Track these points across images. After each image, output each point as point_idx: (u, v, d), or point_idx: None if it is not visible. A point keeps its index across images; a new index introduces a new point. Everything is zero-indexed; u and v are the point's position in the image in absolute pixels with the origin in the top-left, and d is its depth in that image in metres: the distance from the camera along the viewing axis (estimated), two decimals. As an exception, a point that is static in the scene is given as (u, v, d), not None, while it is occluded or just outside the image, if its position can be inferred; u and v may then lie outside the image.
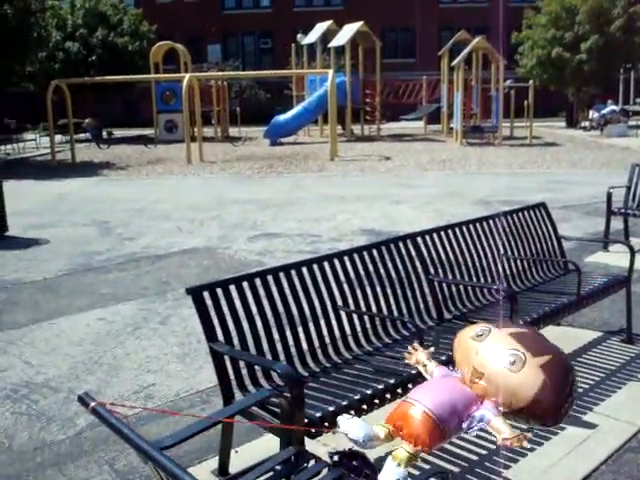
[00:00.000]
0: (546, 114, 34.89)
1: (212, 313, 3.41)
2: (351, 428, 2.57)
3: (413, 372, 3.52)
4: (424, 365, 2.88)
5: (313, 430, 2.98)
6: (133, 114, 33.64)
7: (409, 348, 3.00)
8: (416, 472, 3.37)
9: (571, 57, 29.29)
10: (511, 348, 2.54)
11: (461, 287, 4.70)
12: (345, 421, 2.60)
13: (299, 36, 29.42)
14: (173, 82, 24.93)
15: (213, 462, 3.60)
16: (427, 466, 3.53)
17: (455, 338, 2.81)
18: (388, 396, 3.36)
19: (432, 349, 3.00)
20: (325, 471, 2.64)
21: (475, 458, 3.65)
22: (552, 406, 2.49)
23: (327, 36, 26.62)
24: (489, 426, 2.53)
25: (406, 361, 2.99)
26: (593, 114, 30.11)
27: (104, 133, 26.22)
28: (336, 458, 3.14)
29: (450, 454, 3.69)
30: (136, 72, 25.82)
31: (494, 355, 2.55)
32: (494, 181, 14.64)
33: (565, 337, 5.35)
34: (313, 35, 27.35)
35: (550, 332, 4.77)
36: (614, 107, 29.45)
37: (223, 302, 3.47)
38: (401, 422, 2.56)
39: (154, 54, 26.61)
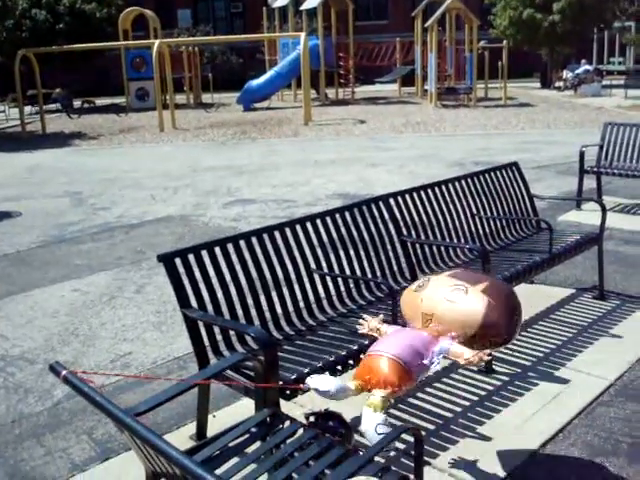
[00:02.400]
0: (520, 75, 34.81)
1: (185, 280, 3.40)
2: (320, 383, 2.63)
3: (387, 332, 3.56)
4: (377, 329, 3.01)
5: (287, 391, 3.00)
6: (103, 83, 33.11)
7: (360, 321, 3.12)
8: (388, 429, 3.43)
9: (543, 18, 29.18)
10: (451, 285, 2.77)
11: (434, 247, 4.72)
12: (314, 379, 2.66)
13: (270, -1, 29.05)
14: (143, 49, 24.55)
15: (191, 427, 3.62)
16: (399, 423, 3.57)
17: (400, 299, 3.02)
18: (362, 357, 3.38)
19: (381, 316, 3.11)
20: (300, 431, 2.67)
21: (449, 415, 3.70)
22: (502, 323, 2.68)
23: (298, -1, 26.32)
24: (450, 355, 2.70)
25: (360, 331, 3.09)
26: (567, 74, 30.13)
27: (82, 103, 25.73)
28: (312, 419, 3.17)
29: (424, 411, 3.74)
30: (105, 39, 25.36)
31: (437, 295, 2.77)
32: (468, 142, 14.65)
33: (538, 295, 5.42)
34: (284, -2, 27.02)
35: (523, 290, 4.82)
36: (588, 67, 29.47)
37: (195, 268, 3.46)
38: (369, 374, 2.66)
39: (123, 21, 26.12)
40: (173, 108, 19.52)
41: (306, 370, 3.15)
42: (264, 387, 2.87)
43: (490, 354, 2.73)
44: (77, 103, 26.19)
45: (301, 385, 2.80)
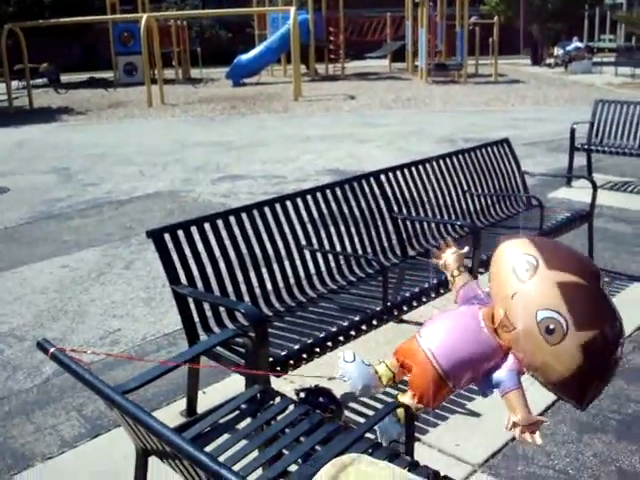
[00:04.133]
0: (511, 51, 34.66)
1: (174, 256, 3.37)
2: (351, 375, 2.34)
3: (377, 309, 3.56)
4: (452, 275, 2.42)
5: (278, 367, 2.99)
6: (91, 57, 32.72)
7: (440, 243, 2.55)
8: (379, 405, 3.44)
9: (535, -7, 29.01)
10: (554, 308, 1.95)
11: (424, 224, 4.71)
12: (346, 364, 2.36)
13: (260, -28, 28.70)
14: (131, 23, 24.24)
15: (181, 403, 3.62)
16: (390, 399, 3.58)
17: (496, 252, 2.13)
18: (353, 333, 3.38)
19: (466, 249, 2.52)
20: (291, 408, 2.66)
21: (440, 391, 3.70)
22: (581, 392, 2.05)
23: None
24: (504, 398, 2.17)
25: (434, 260, 2.53)
26: (558, 51, 30.00)
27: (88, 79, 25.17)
28: (302, 395, 3.18)
29: (415, 388, 3.75)
30: (93, 13, 25.03)
31: (532, 313, 1.97)
32: (459, 119, 14.59)
33: (528, 271, 5.42)
34: (274, -29, 26.74)
35: (513, 267, 4.83)
36: (579, 44, 29.34)
37: (185, 244, 3.43)
38: (409, 361, 2.26)
39: (110, -6, 25.79)
40: (162, 83, 19.33)
41: (297, 347, 3.15)
42: (255, 363, 2.86)
43: (544, 427, 2.19)
44: (65, 78, 25.92)
45: (284, 373, 2.67)
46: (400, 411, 2.30)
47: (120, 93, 21.82)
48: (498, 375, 2.14)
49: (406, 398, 2.22)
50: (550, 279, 1.97)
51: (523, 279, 1.98)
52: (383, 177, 4.56)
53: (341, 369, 2.35)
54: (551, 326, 1.92)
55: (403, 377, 2.30)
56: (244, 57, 24.26)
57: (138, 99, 19.41)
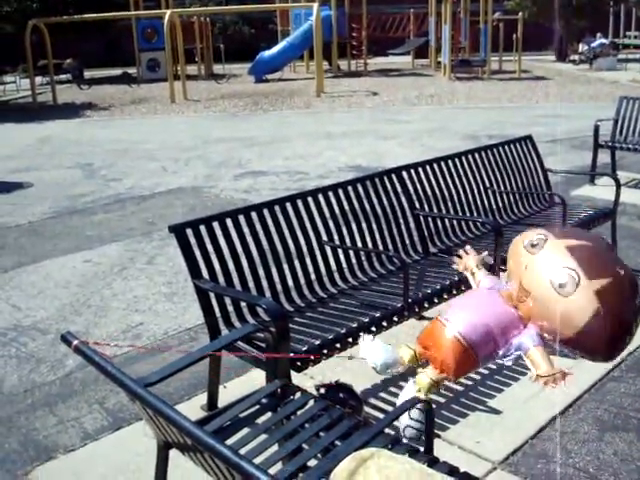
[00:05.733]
0: (535, 47, 34.39)
1: (196, 251, 3.39)
2: (371, 353, 2.40)
3: (398, 305, 3.55)
4: (472, 273, 2.60)
5: (298, 363, 3.00)
6: (114, 53, 32.92)
7: (460, 251, 2.77)
8: (399, 401, 3.44)
9: (560, -11, 28.78)
10: (565, 266, 2.12)
11: (446, 221, 4.70)
12: (366, 344, 2.42)
13: (283, -31, 28.68)
14: (154, 19, 24.36)
15: (202, 398, 3.64)
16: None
17: (512, 244, 2.41)
18: (373, 329, 3.38)
19: (485, 253, 2.74)
20: (311, 403, 2.67)
21: (460, 388, 3.70)
22: (604, 340, 2.10)
23: (311, -32, 26.00)
24: (526, 356, 2.26)
25: (454, 266, 2.76)
26: (583, 47, 29.72)
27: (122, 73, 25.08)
28: (322, 390, 3.19)
29: (436, 385, 3.74)
30: (116, 9, 25.19)
31: (544, 273, 2.15)
32: (482, 115, 14.51)
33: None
34: (297, -33, 26.71)
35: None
36: (604, 40, 29.04)
37: (207, 239, 3.45)
38: (430, 342, 2.36)
39: (134, -10, 25.94)
40: (184, 79, 19.41)
41: (317, 342, 3.15)
42: (275, 358, 2.88)
43: (570, 375, 2.21)
44: (88, 74, 26.11)
45: (314, 361, 2.66)
46: (422, 380, 2.34)
47: (143, 89, 21.94)
48: (518, 339, 2.24)
49: (429, 370, 2.30)
50: (559, 246, 2.18)
51: (534, 252, 2.20)
52: (405, 174, 4.55)
53: (362, 348, 2.41)
54: (563, 280, 2.08)
55: (426, 357, 2.36)
56: (266, 53, 24.28)
57: (161, 95, 19.51)
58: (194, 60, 25.96)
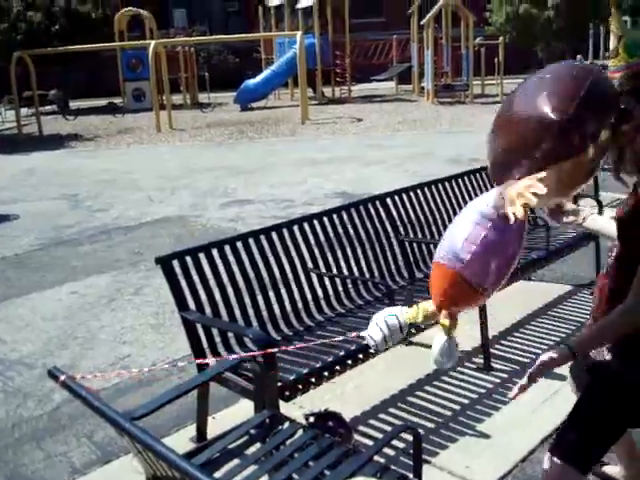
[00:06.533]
0: (517, 71, 34.76)
1: (182, 282, 3.40)
2: (371, 334, 2.16)
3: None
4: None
5: (287, 392, 3.00)
6: (99, 83, 33.03)
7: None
8: (388, 428, 3.44)
9: (539, 14, 29.25)
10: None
11: (431, 246, 4.71)
12: (371, 327, 2.17)
13: (267, -2, 28.97)
14: (139, 49, 24.50)
15: (191, 429, 3.62)
16: (398, 422, 3.59)
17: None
18: (360, 356, 3.39)
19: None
20: (300, 432, 2.67)
21: (449, 413, 3.71)
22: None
23: (294, -3, 26.28)
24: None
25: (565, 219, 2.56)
26: (563, 69, 30.08)
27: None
28: (311, 419, 3.19)
29: (424, 410, 3.75)
30: (101, 40, 25.32)
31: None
32: (466, 139, 14.63)
33: (536, 292, 5.43)
34: (280, -3, 26.99)
35: (521, 287, 4.84)
36: (584, 62, 29.48)
37: (193, 270, 3.46)
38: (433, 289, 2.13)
39: (118, 21, 26.05)
40: (170, 108, 19.50)
41: (305, 371, 3.16)
42: (263, 388, 2.88)
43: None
44: (74, 105, 26.16)
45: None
46: (423, 307, 2.12)
47: (129, 119, 22.00)
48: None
49: (426, 304, 2.12)
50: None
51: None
52: (389, 200, 4.59)
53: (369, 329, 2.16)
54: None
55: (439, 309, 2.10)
56: (251, 82, 24.46)
57: (147, 125, 19.57)
58: (179, 89, 26.09)
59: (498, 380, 4.06)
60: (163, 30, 31.80)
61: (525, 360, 4.28)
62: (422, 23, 23.33)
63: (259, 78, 24.68)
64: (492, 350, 4.33)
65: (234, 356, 3.02)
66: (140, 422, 2.22)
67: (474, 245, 1.99)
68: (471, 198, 5.20)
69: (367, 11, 39.75)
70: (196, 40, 29.42)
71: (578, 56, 29.82)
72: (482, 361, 4.23)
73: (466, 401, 3.83)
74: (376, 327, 2.14)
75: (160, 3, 37.39)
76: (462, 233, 2.02)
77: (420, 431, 3.36)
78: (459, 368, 4.18)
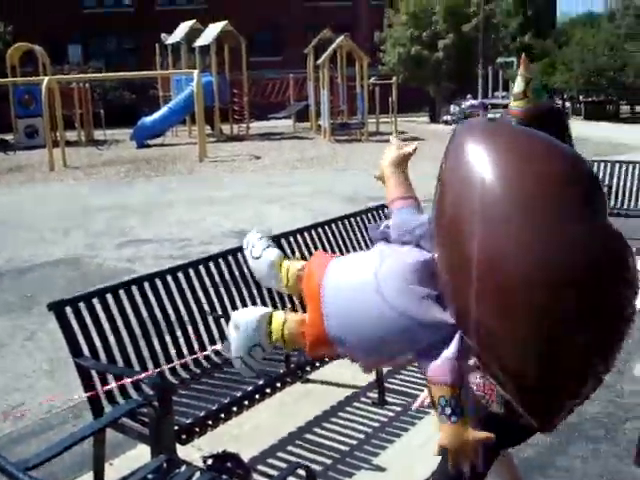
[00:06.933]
0: (410, 109, 36.01)
1: (76, 328, 3.38)
2: (231, 348, 1.84)
3: (281, 372, 3.65)
4: (382, 175, 1.90)
5: (183, 436, 3.03)
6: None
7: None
8: (285, 466, 3.51)
9: (430, 55, 30.55)
10: None
11: (327, 285, 4.84)
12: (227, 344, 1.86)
13: (163, 36, 28.87)
14: (32, 85, 23.94)
15: (88, 477, 3.57)
16: (296, 460, 3.66)
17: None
18: (257, 397, 3.46)
19: (415, 145, 1.98)
20: (197, 475, 2.70)
21: (345, 448, 3.81)
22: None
23: (191, 35, 26.33)
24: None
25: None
26: (454, 109, 31.44)
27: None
28: (209, 462, 3.22)
29: (320, 446, 3.83)
30: (-9, 76, 24.61)
31: None
32: (362, 177, 14.98)
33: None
34: (177, 35, 26.97)
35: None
36: (473, 101, 30.89)
37: (87, 316, 3.44)
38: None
39: (10, 56, 25.39)
40: (64, 146, 19.07)
41: (202, 414, 3.19)
42: (159, 433, 2.90)
43: None
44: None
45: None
46: (276, 320, 1.77)
47: (21, 156, 21.36)
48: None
49: (282, 314, 1.79)
50: None
51: None
52: (283, 240, 4.70)
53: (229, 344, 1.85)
54: None
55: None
56: (148, 119, 24.30)
57: (40, 162, 19.06)
58: (74, 126, 25.58)
59: (392, 414, 4.20)
60: (57, 66, 31.23)
61: (418, 393, 4.43)
62: (318, 63, 23.89)
63: (156, 115, 24.55)
64: (386, 384, 4.47)
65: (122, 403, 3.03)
66: (35, 471, 2.21)
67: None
68: (368, 236, 5.36)
69: (265, 50, 40.40)
70: (91, 77, 29.01)
71: (468, 95, 31.28)
72: (377, 395, 4.37)
73: (362, 436, 3.94)
74: (234, 334, 1.85)
75: (55, 39, 36.76)
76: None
77: (316, 467, 3.47)
78: (355, 403, 4.31)
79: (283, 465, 3.61)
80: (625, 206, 8.18)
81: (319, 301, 1.65)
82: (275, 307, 4.41)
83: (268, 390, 3.51)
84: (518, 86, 2.30)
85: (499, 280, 1.27)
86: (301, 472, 2.81)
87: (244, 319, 1.78)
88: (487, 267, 1.28)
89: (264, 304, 4.37)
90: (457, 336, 1.44)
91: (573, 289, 1.23)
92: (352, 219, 5.34)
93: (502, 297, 1.27)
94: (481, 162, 1.41)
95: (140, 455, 3.53)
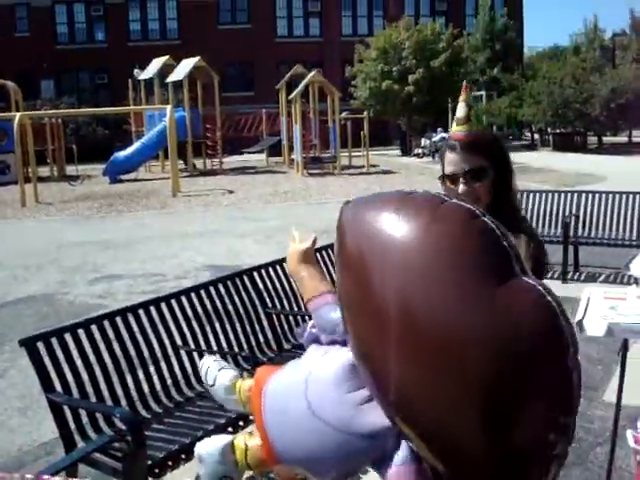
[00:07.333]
0: (382, 143, 36.40)
1: (48, 363, 3.39)
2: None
3: (253, 404, 3.68)
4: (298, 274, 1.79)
5: (156, 469, 3.05)
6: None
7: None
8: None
9: (400, 89, 31.05)
10: None
11: (299, 317, 4.90)
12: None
13: (136, 71, 29.06)
14: (3, 121, 23.91)
15: (59, 514, 3.56)
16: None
17: None
18: (230, 429, 3.48)
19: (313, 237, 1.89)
20: (169, 510, 2.72)
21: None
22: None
23: (164, 71, 26.52)
24: None
25: None
26: (425, 142, 31.86)
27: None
28: (181, 497, 3.23)
29: None
30: (-39, 112, 24.53)
31: None
32: (335, 210, 14.95)
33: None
34: (150, 70, 27.15)
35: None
36: (444, 134, 31.29)
37: (59, 351, 3.46)
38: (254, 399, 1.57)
39: (-19, 93, 25.49)
40: (36, 182, 19.01)
41: (175, 447, 3.21)
42: (132, 467, 2.91)
43: None
44: None
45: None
46: (238, 449, 1.59)
47: (-9, 193, 21.23)
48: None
49: (243, 440, 1.61)
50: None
51: None
52: (256, 274, 4.75)
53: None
54: None
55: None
56: (121, 154, 24.34)
57: (11, 199, 18.96)
58: (46, 162, 25.52)
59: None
60: (30, 101, 31.21)
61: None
62: (290, 98, 24.15)
63: (129, 150, 24.60)
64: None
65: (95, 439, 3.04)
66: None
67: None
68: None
69: (237, 85, 40.72)
70: (63, 113, 29.05)
71: (439, 129, 31.72)
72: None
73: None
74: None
75: (27, 74, 36.78)
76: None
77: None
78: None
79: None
80: (593, 235, 8.37)
81: (262, 425, 1.50)
82: (248, 344, 4.46)
83: (241, 423, 3.54)
84: (460, 111, 2.39)
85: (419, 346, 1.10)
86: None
87: (205, 452, 1.64)
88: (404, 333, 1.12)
89: (237, 339, 4.41)
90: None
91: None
92: (323, 252, 5.41)
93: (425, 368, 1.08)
94: (379, 229, 1.23)
95: (113, 491, 3.52)
